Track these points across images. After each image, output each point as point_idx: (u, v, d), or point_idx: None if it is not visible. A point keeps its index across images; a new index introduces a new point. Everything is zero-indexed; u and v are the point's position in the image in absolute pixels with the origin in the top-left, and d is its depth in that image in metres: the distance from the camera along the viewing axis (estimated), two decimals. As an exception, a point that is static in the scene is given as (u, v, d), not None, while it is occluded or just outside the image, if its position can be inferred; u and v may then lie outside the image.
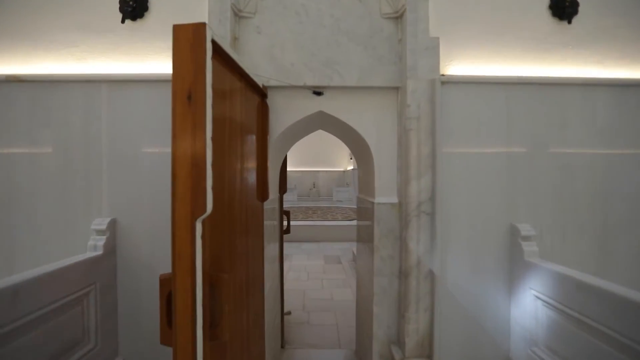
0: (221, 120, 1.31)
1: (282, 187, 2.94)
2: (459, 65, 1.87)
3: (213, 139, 1.24)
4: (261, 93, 1.88)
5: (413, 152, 1.83)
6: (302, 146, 14.89)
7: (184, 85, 1.08)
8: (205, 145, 1.10)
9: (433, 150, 1.79)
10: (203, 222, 1.14)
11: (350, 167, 13.94)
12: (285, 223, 3.19)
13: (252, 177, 1.77)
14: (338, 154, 14.97)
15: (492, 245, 1.83)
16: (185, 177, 1.08)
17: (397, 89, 1.98)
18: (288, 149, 2.66)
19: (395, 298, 1.99)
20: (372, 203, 2.02)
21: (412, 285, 1.83)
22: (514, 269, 1.79)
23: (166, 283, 1.15)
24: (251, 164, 1.76)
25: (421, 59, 1.82)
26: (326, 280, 4.84)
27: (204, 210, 1.09)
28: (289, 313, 3.67)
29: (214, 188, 1.24)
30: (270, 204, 2.24)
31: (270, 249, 2.30)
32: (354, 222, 8.08)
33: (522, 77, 1.84)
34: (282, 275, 3.01)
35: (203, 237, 1.13)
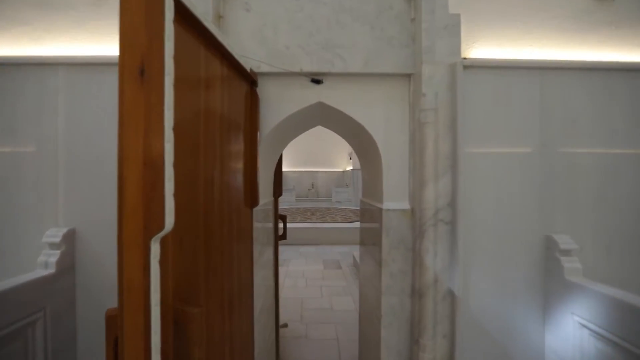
0: (194, 109, 1.03)
1: (277, 190, 2.66)
2: (482, 47, 1.59)
3: (181, 131, 0.95)
4: (250, 80, 1.60)
5: (429, 150, 1.54)
6: (300, 146, 14.73)
7: (135, 55, 0.79)
8: (163, 137, 0.81)
9: (453, 147, 1.51)
10: (163, 242, 0.85)
11: (349, 168, 13.69)
12: (281, 228, 2.90)
13: (238, 181, 1.48)
14: (337, 154, 14.72)
15: (523, 261, 1.55)
16: (136, 181, 0.79)
17: (409, 76, 1.70)
18: (283, 147, 2.38)
19: (407, 320, 1.71)
20: (380, 209, 1.73)
21: (428, 306, 1.55)
22: (551, 289, 1.51)
23: (114, 322, 0.87)
24: (237, 165, 1.47)
25: (439, 40, 1.54)
26: (325, 288, 4.56)
27: (162, 226, 0.81)
28: (285, 325, 3.38)
29: (181, 195, 0.95)
30: (263, 208, 1.96)
31: (263, 260, 2.02)
32: (354, 225, 7.80)
33: (558, 61, 1.55)
34: (278, 286, 2.73)
35: (163, 261, 0.85)
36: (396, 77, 1.71)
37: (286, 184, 14.30)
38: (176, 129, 0.88)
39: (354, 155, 12.44)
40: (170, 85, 0.82)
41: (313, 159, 14.63)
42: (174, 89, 0.85)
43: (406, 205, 1.71)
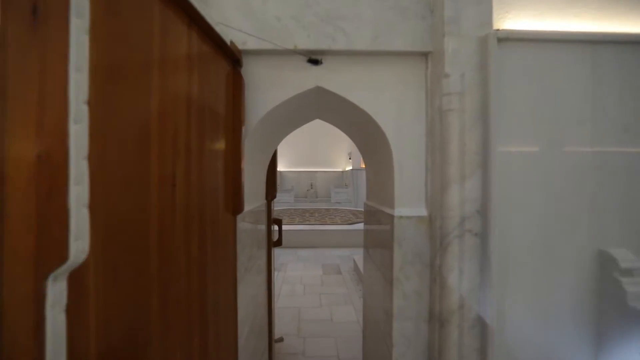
0: (140, 84, 0.74)
1: (271, 192, 2.36)
2: (517, 18, 1.30)
3: (112, 112, 0.66)
4: (233, 58, 1.30)
5: (453, 144, 1.25)
6: (298, 145, 14.45)
7: (22, -16, 0.50)
8: (67, 114, 0.52)
9: (484, 140, 1.22)
10: (79, 277, 0.56)
11: (349, 168, 13.40)
12: (276, 231, 2.61)
13: (217, 183, 1.19)
14: (336, 154, 14.45)
15: (571, 282, 1.25)
16: (23, 185, 0.50)
17: (426, 55, 1.41)
18: (277, 143, 2.08)
19: (424, 350, 1.41)
20: (391, 216, 1.44)
21: (451, 337, 1.26)
22: (607, 318, 1.21)
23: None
24: (215, 163, 1.18)
25: (465, 8, 1.25)
26: (325, 296, 4.26)
27: (65, 256, 0.51)
28: (281, 340, 3.08)
29: (116, 205, 0.66)
30: (252, 213, 1.66)
31: (253, 274, 1.72)
32: (354, 227, 7.49)
33: (614, 33, 1.26)
34: (272, 297, 2.43)
35: (79, 306, 0.56)
36: (411, 56, 1.41)
37: (285, 185, 14.01)
38: (99, 104, 0.58)
39: (354, 155, 12.15)
40: (82, 33, 0.52)
41: (312, 158, 14.36)
42: (93, 42, 0.55)
43: (422, 211, 1.42)
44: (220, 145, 1.24)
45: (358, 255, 5.53)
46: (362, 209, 9.45)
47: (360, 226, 7.32)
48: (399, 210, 1.42)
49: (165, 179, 0.82)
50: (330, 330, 3.31)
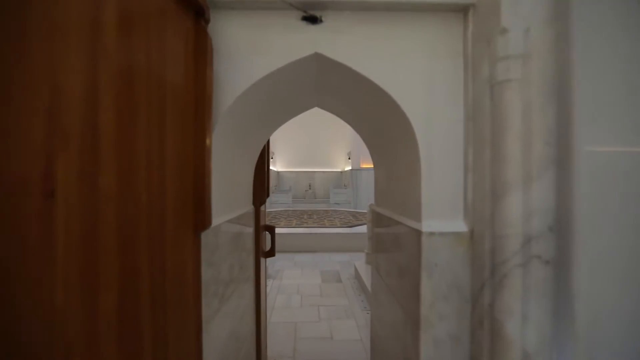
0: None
1: (260, 195, 1.97)
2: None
3: None
4: (195, 8, 0.91)
5: (513, 131, 0.86)
6: (296, 144, 14.11)
7: None
8: None
9: (563, 124, 0.83)
10: None
11: (348, 168, 13.03)
12: (269, 241, 2.22)
13: (162, 187, 0.80)
14: (335, 153, 14.10)
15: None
16: None
17: (466, 9, 1.02)
18: (266, 134, 1.69)
19: (462, 416, 1.03)
20: (416, 232, 1.05)
21: (509, 410, 0.87)
22: None
23: None
24: (160, 159, 0.78)
25: None
26: (324, 308, 3.87)
27: None
28: (275, 364, 2.70)
29: None
30: (231, 223, 1.27)
31: (231, 307, 1.33)
32: (355, 230, 7.09)
33: None
34: (260, 325, 2.04)
35: None
36: (444, 12, 1.03)
37: (283, 185, 13.64)
38: None
39: (353, 155, 11.76)
40: None
41: (310, 158, 14.00)
42: None
43: (461, 225, 1.03)
44: (174, 133, 0.84)
45: (359, 260, 5.16)
46: (362, 210, 9.00)
47: (360, 229, 6.93)
48: (428, 224, 1.03)
49: (20, 184, 0.42)
50: (330, 351, 2.92)
